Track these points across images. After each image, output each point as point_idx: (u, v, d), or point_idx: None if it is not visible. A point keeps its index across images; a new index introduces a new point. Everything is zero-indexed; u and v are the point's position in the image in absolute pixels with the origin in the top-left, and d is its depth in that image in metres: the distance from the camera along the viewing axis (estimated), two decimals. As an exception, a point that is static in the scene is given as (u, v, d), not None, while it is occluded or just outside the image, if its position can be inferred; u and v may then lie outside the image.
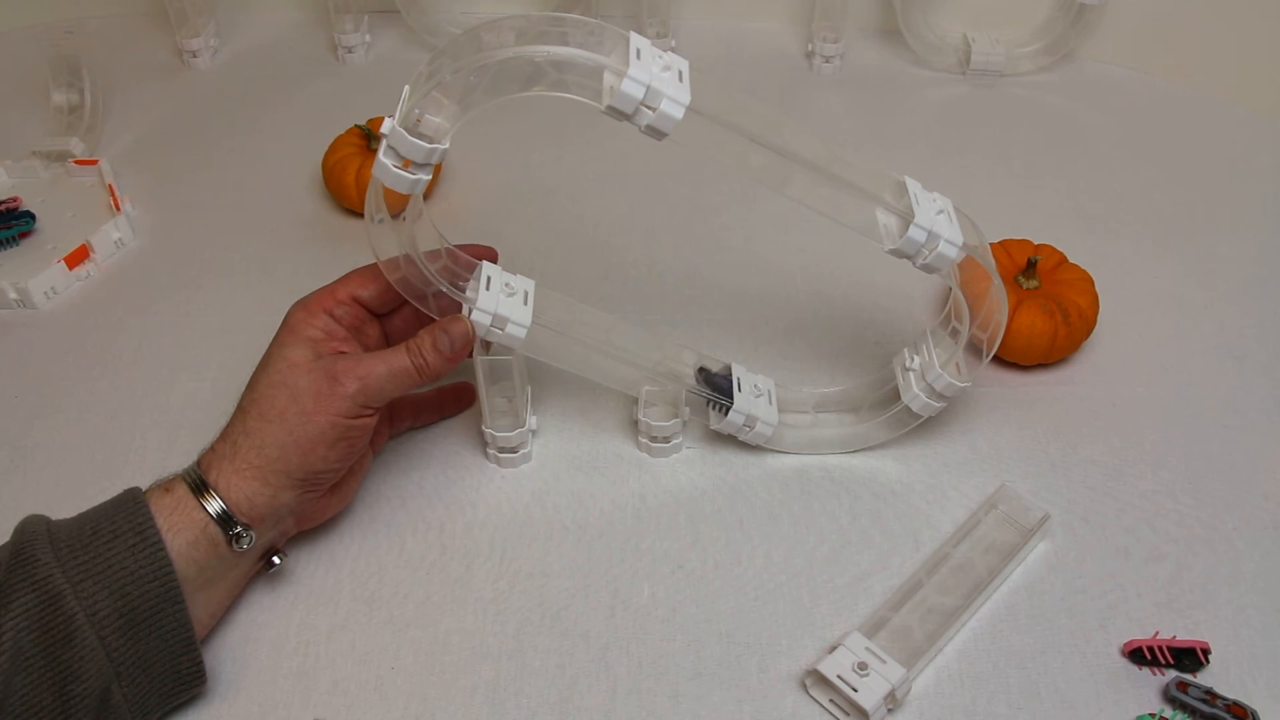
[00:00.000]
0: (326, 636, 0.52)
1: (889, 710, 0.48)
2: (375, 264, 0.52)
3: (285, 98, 0.89)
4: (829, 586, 0.54)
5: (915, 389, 0.57)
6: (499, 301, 0.52)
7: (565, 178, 0.80)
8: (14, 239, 0.72)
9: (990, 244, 0.55)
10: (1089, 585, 0.54)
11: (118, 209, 0.74)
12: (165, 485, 0.48)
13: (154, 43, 0.95)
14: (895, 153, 0.83)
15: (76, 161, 0.78)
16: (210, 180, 0.81)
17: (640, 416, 0.58)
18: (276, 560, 0.52)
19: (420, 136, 0.45)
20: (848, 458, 0.60)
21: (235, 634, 0.52)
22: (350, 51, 0.93)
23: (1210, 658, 0.50)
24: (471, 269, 0.54)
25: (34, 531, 0.45)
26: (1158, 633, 0.51)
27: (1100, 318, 0.65)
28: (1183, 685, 0.49)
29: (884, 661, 0.48)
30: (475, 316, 0.52)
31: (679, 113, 0.46)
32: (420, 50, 0.93)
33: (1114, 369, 0.65)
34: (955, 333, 0.56)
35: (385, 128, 0.46)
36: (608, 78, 0.46)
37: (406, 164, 0.46)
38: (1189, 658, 0.50)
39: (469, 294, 0.53)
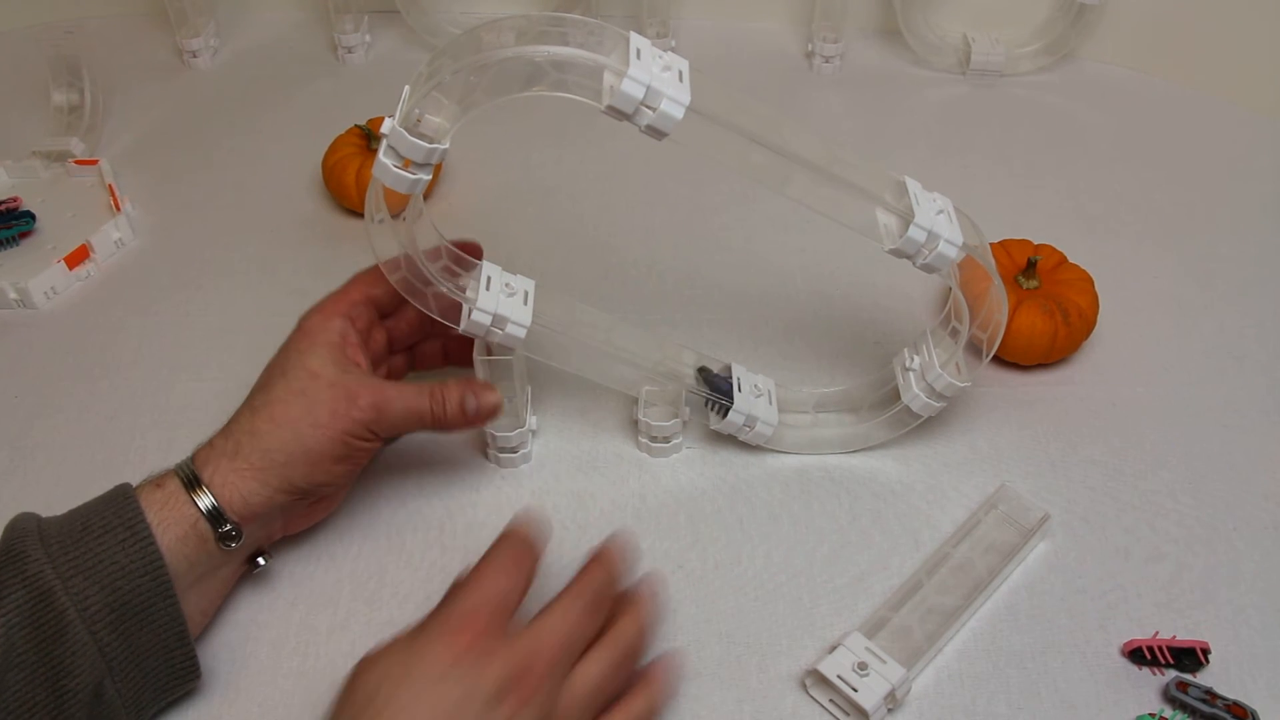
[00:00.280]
0: (326, 636, 0.52)
1: (889, 710, 0.48)
2: (377, 265, 0.52)
3: (285, 98, 0.89)
4: (829, 586, 0.54)
5: (915, 389, 0.57)
6: (499, 301, 0.52)
7: (565, 178, 0.80)
8: (14, 239, 0.72)
9: (990, 244, 0.55)
10: (1089, 585, 0.54)
11: (118, 209, 0.74)
12: (157, 481, 0.48)
13: (154, 43, 0.95)
14: (895, 153, 0.83)
15: (76, 161, 0.78)
16: (210, 180, 0.81)
17: (640, 416, 0.58)
18: (261, 561, 0.52)
19: (420, 136, 0.45)
20: (848, 458, 0.60)
21: (234, 634, 0.52)
22: (350, 51, 0.93)
23: (1210, 658, 0.50)
24: (471, 269, 0.54)
25: (24, 528, 0.45)
26: (1158, 633, 0.51)
27: (1100, 318, 0.65)
28: (1183, 685, 0.49)
29: (884, 661, 0.48)
30: (475, 316, 0.52)
31: (679, 113, 0.46)
32: (420, 50, 0.93)
33: (1114, 369, 0.65)
34: (955, 333, 0.56)
35: (385, 128, 0.46)
36: (608, 78, 0.46)
37: (406, 164, 0.46)
38: (1189, 658, 0.50)
39: (469, 294, 0.52)
